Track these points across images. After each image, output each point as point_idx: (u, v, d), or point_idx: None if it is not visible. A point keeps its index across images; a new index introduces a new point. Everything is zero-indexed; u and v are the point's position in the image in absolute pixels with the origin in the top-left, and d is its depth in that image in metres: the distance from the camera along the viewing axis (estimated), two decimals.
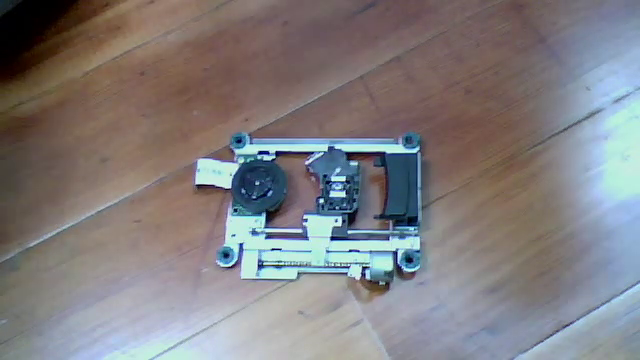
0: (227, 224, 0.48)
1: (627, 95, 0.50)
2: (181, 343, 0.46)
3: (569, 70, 0.51)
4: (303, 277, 0.47)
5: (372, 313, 0.45)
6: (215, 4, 0.56)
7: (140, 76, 0.54)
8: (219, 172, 0.49)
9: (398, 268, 0.46)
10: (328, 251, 0.46)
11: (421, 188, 0.47)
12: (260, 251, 0.47)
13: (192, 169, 0.50)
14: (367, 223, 0.48)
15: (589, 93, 0.50)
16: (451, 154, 0.49)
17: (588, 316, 0.44)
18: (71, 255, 0.48)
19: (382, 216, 0.46)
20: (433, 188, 0.48)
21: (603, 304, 0.44)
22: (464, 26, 0.53)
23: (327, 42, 0.54)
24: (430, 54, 0.52)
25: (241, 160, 0.49)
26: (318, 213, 0.47)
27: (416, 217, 0.46)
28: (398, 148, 0.49)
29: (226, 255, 0.47)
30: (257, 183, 0.48)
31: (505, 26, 0.53)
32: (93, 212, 0.50)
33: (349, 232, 0.47)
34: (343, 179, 0.48)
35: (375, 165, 0.48)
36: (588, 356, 0.43)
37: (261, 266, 0.47)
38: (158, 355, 0.46)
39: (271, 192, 0.48)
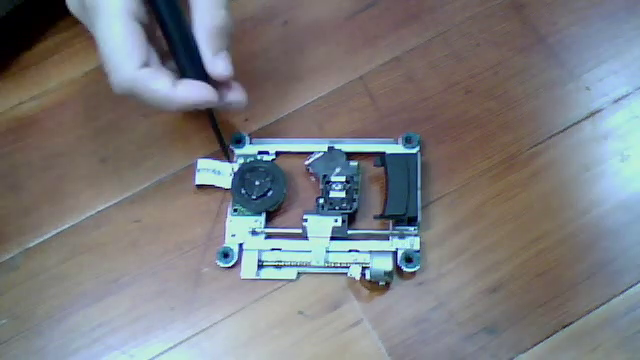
0: (227, 224, 0.48)
1: (627, 95, 0.50)
2: (181, 343, 0.46)
3: (569, 70, 0.51)
4: (303, 277, 0.47)
5: (372, 313, 0.45)
6: None
7: None
8: (219, 172, 0.49)
9: (398, 268, 0.46)
10: (328, 251, 0.46)
11: (421, 188, 0.47)
12: (260, 251, 0.47)
13: (192, 169, 0.50)
14: (367, 223, 0.48)
15: (589, 93, 0.50)
16: (451, 154, 0.49)
17: (588, 316, 0.44)
18: (71, 255, 0.48)
19: (382, 216, 0.46)
20: (433, 188, 0.48)
21: (603, 304, 0.44)
22: (464, 26, 0.53)
23: (327, 42, 0.54)
24: (430, 54, 0.52)
25: (241, 160, 0.49)
26: (318, 213, 0.47)
27: (416, 217, 0.46)
28: (398, 148, 0.49)
29: (226, 255, 0.47)
30: (257, 183, 0.48)
31: (505, 26, 0.53)
32: (93, 212, 0.50)
33: (349, 232, 0.47)
34: (343, 179, 0.48)
35: (375, 165, 0.48)
36: (588, 356, 0.43)
37: (261, 266, 0.47)
38: (158, 355, 0.46)
39: (271, 192, 0.48)
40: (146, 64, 0.41)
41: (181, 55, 0.42)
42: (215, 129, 0.47)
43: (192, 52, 0.42)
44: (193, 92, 0.42)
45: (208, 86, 0.42)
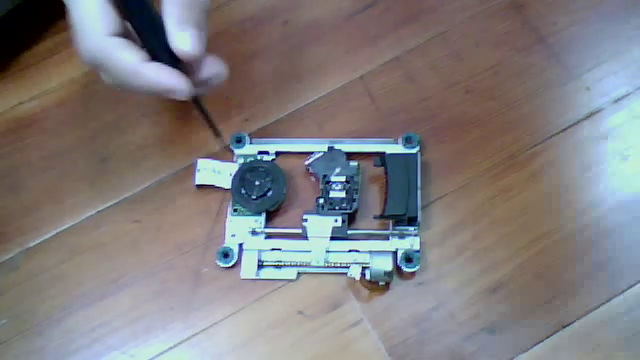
0: (227, 224, 0.48)
1: (627, 95, 0.50)
2: (181, 343, 0.46)
3: (569, 70, 0.51)
4: (303, 277, 0.47)
5: (372, 313, 0.45)
6: (215, 4, 0.55)
7: None
8: (219, 172, 0.49)
9: (398, 268, 0.46)
10: (328, 251, 0.46)
11: (421, 188, 0.47)
12: (260, 251, 0.47)
13: (192, 169, 0.50)
14: (367, 223, 0.48)
15: (589, 93, 0.50)
16: (451, 154, 0.49)
17: (588, 316, 0.44)
18: (71, 255, 0.48)
19: (382, 216, 0.46)
20: (433, 188, 0.48)
21: (603, 304, 0.44)
22: (464, 26, 0.53)
23: (327, 42, 0.54)
24: (430, 54, 0.52)
25: (241, 160, 0.49)
26: (318, 213, 0.47)
27: (416, 217, 0.46)
28: (398, 148, 0.49)
29: (226, 255, 0.47)
30: (257, 183, 0.48)
31: (505, 26, 0.53)
32: (93, 212, 0.50)
33: (349, 232, 0.47)
34: (343, 179, 0.48)
35: (375, 165, 0.48)
36: (588, 356, 0.43)
37: (261, 266, 0.47)
38: (158, 355, 0.46)
39: (271, 192, 0.48)
40: (117, 35, 0.38)
41: (146, 32, 0.39)
42: (197, 104, 0.42)
43: (159, 29, 0.38)
44: (164, 75, 0.38)
45: (183, 77, 0.39)
